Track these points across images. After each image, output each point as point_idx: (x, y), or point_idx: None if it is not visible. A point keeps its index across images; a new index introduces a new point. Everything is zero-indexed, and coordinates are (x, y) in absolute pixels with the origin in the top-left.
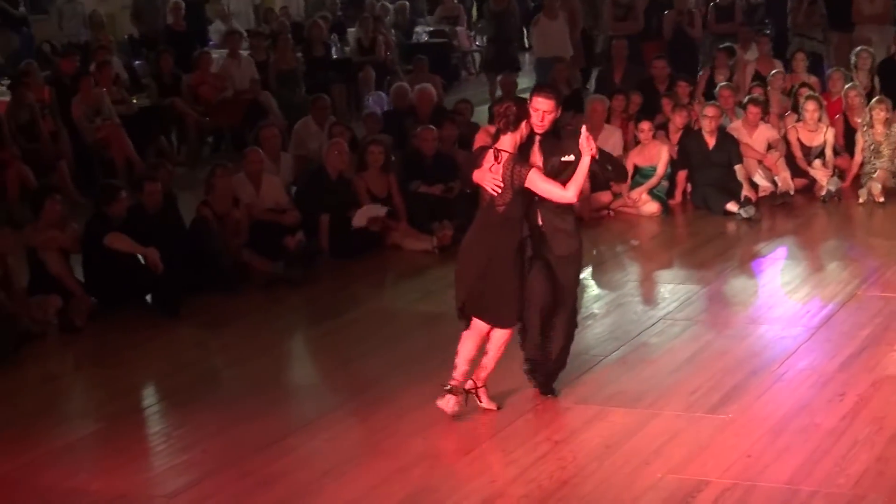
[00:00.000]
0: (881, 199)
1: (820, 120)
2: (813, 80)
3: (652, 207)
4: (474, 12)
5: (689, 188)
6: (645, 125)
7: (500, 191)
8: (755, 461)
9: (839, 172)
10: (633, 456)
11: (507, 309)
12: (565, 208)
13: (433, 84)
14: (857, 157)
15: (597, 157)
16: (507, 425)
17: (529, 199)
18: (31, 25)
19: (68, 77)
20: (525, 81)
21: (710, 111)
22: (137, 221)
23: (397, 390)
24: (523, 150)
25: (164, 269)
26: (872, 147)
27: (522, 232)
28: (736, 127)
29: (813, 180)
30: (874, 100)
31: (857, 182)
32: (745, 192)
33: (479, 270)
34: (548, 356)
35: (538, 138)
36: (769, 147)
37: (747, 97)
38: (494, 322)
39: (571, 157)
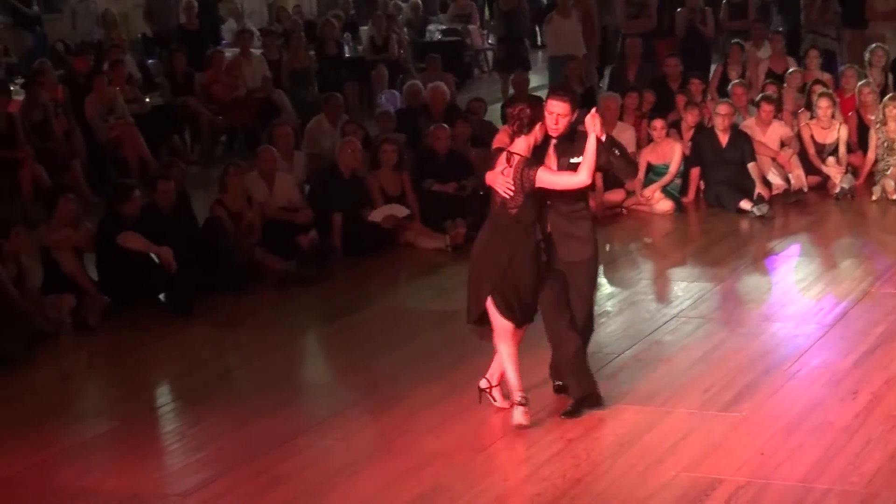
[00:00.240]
0: (895, 197)
1: (833, 117)
2: (826, 77)
3: (665, 205)
4: (486, 11)
5: (702, 186)
6: (658, 123)
7: (511, 193)
8: (768, 459)
9: (852, 170)
10: (647, 454)
11: (522, 309)
12: (581, 214)
13: (446, 82)
14: (871, 155)
15: (602, 138)
16: None
17: (542, 204)
18: (45, 24)
19: (82, 76)
20: (537, 80)
21: (723, 109)
22: (151, 220)
23: (410, 389)
24: (538, 154)
25: (177, 268)
26: (886, 144)
27: (536, 235)
28: (749, 124)
29: (826, 178)
30: (888, 97)
31: (871, 179)
32: (759, 189)
33: (500, 271)
34: (563, 360)
35: (553, 141)
36: (782, 144)
37: (760, 95)
38: (507, 316)
39: (581, 159)
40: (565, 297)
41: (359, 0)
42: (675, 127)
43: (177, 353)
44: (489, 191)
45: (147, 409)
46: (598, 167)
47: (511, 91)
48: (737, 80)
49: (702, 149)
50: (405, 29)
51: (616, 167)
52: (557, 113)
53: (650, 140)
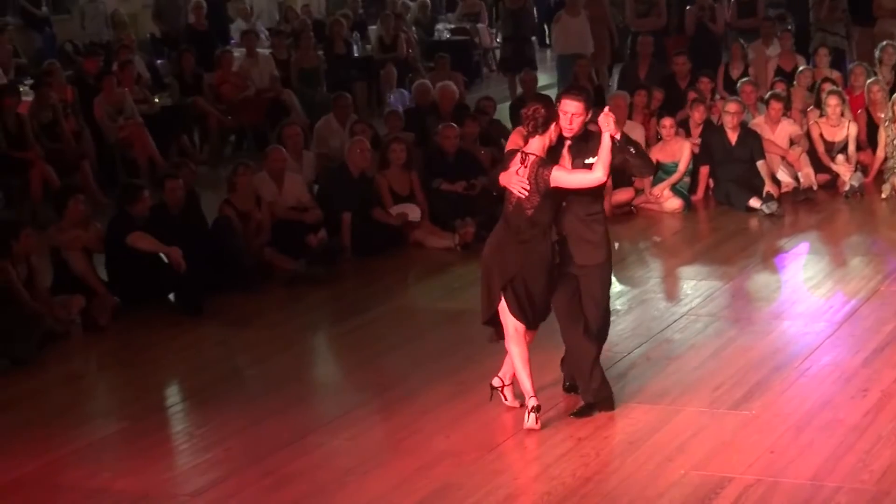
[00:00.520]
0: None
1: (842, 115)
2: (835, 75)
3: (674, 203)
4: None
5: (711, 184)
6: (667, 121)
7: (526, 194)
8: (778, 457)
9: (862, 168)
10: (657, 452)
11: (532, 308)
12: (596, 217)
13: (455, 81)
14: (880, 153)
15: (617, 136)
16: None
17: (558, 205)
18: (54, 25)
19: (91, 77)
20: (545, 79)
21: (732, 107)
22: (160, 221)
23: (419, 388)
24: (552, 155)
25: (186, 269)
26: (895, 142)
27: (552, 237)
28: (758, 122)
29: (835, 176)
30: None
31: (880, 177)
32: (768, 187)
33: (513, 273)
34: (578, 367)
35: (567, 142)
36: (791, 143)
37: (769, 93)
38: (519, 317)
39: (596, 159)
40: (578, 302)
41: None
42: (683, 125)
43: (186, 353)
44: (503, 192)
45: (156, 410)
46: (614, 166)
47: (518, 90)
48: (746, 79)
49: (711, 147)
50: (413, 28)
51: (632, 165)
52: (571, 112)
53: (659, 138)
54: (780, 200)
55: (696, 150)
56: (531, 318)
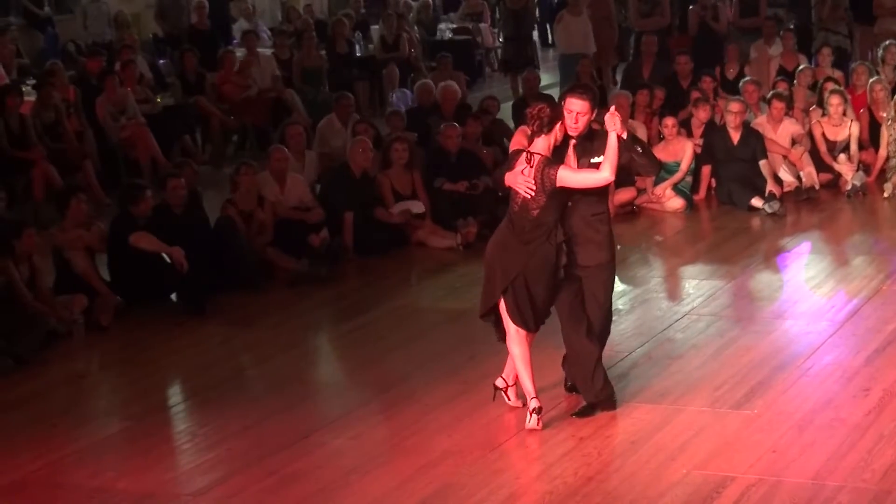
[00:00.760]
0: None
1: (845, 114)
2: (837, 74)
3: (676, 203)
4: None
5: (713, 183)
6: (669, 121)
7: (532, 194)
8: (780, 456)
9: (864, 167)
10: (658, 452)
11: (533, 312)
12: (601, 217)
13: (457, 81)
14: (882, 152)
15: (623, 136)
16: None
17: (563, 205)
18: (56, 25)
19: (93, 76)
20: (547, 78)
21: (734, 106)
22: (162, 221)
23: (422, 387)
24: (558, 154)
25: (189, 268)
26: None
27: (558, 237)
28: (760, 122)
29: (838, 175)
30: None
31: (882, 176)
32: (770, 187)
33: (515, 276)
34: (580, 368)
35: (573, 141)
36: (793, 142)
37: (771, 92)
38: (518, 322)
39: (601, 159)
40: (581, 303)
41: None
42: (685, 125)
43: (189, 353)
44: (507, 192)
45: (159, 409)
46: (619, 165)
47: (520, 90)
48: (748, 78)
49: (713, 146)
50: (416, 28)
51: (639, 165)
52: (577, 111)
53: (661, 138)
54: (782, 200)
55: (699, 149)
56: (530, 322)
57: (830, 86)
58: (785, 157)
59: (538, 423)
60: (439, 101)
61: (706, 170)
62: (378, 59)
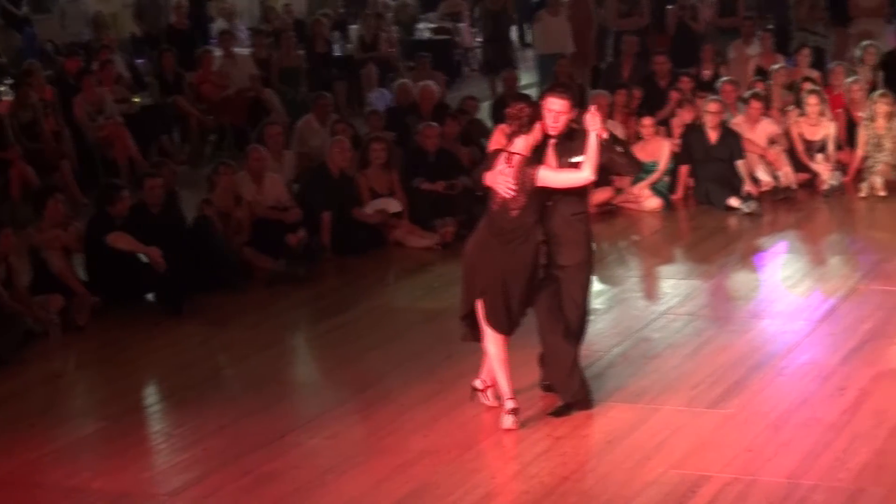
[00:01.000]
0: (883, 193)
1: (822, 114)
2: (815, 74)
3: (654, 203)
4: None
5: (691, 183)
6: (647, 120)
7: (513, 194)
8: (756, 456)
9: (841, 167)
10: (635, 451)
11: (509, 317)
12: (580, 217)
13: (436, 81)
14: (859, 152)
15: (604, 135)
16: None
17: (543, 205)
18: (34, 25)
19: (71, 76)
20: (525, 78)
21: (712, 106)
22: (140, 220)
23: (399, 387)
24: (537, 153)
25: (166, 268)
26: (874, 141)
27: (537, 238)
28: (738, 122)
29: (815, 175)
30: (876, 93)
31: (859, 176)
32: (747, 186)
33: (493, 280)
34: (557, 369)
35: (552, 141)
36: (771, 142)
37: (749, 92)
38: (494, 326)
39: (582, 158)
40: (559, 303)
41: None
42: (663, 124)
43: (166, 353)
44: (486, 192)
45: (136, 409)
46: (600, 165)
47: (499, 90)
48: (725, 78)
49: (691, 146)
50: (394, 27)
51: (619, 165)
52: (556, 110)
53: (638, 137)
54: (759, 199)
55: (678, 149)
56: (505, 326)
57: (808, 86)
58: (762, 156)
59: (514, 423)
60: (418, 101)
61: (684, 170)
62: (356, 59)
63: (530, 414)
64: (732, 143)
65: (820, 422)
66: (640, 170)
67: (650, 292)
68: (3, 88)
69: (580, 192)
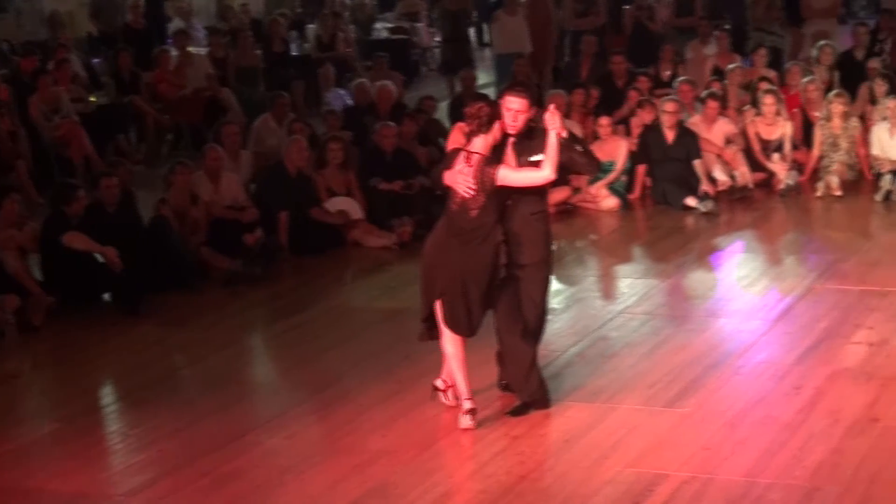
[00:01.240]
0: (839, 193)
1: (778, 114)
2: (772, 74)
3: (611, 202)
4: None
5: (648, 183)
6: (604, 120)
7: (472, 193)
8: (713, 454)
9: (797, 166)
10: (592, 450)
11: (469, 319)
12: (539, 216)
13: (393, 81)
14: (815, 151)
15: (564, 134)
16: None
17: (503, 205)
18: None
19: (27, 76)
20: (483, 78)
21: (669, 106)
22: (96, 220)
23: (357, 387)
24: (497, 152)
25: (123, 268)
26: (830, 141)
27: (497, 238)
28: (695, 121)
29: (771, 174)
30: (832, 93)
31: (815, 176)
32: (704, 186)
33: (451, 281)
34: (515, 369)
35: (511, 140)
36: (728, 141)
37: (706, 92)
38: (454, 328)
39: (541, 157)
40: (518, 303)
41: None
42: (621, 124)
43: (122, 353)
44: (446, 191)
45: (92, 410)
46: (560, 164)
47: (457, 90)
48: (683, 78)
49: (649, 146)
50: (352, 27)
51: (579, 164)
52: (515, 109)
53: (596, 137)
54: (716, 199)
55: (636, 149)
56: (465, 329)
57: (765, 85)
58: (719, 156)
59: (472, 422)
60: (375, 101)
61: (641, 169)
62: (314, 59)
63: (488, 413)
64: (689, 142)
65: (776, 420)
66: (599, 169)
67: (607, 292)
68: None
69: (539, 192)
